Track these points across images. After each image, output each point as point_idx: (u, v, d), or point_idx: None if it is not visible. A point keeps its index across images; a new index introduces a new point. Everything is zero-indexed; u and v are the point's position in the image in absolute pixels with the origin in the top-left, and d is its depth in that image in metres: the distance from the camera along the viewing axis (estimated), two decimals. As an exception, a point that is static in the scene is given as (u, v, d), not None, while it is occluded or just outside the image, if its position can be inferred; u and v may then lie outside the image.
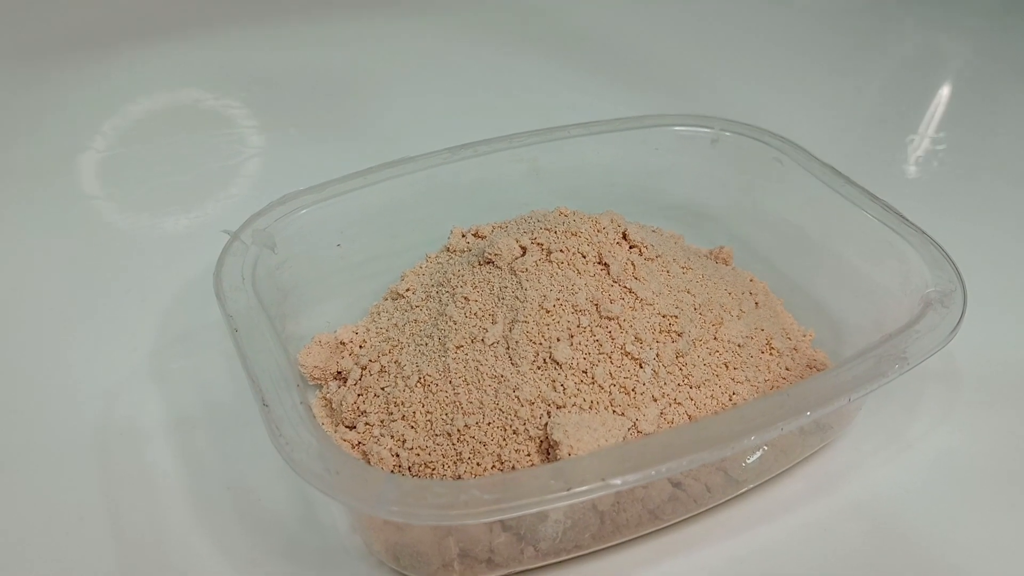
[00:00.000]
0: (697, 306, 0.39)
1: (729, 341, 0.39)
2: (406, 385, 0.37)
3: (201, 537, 0.35)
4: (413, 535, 0.32)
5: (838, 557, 0.35)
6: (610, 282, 0.38)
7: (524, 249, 0.40)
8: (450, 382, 0.36)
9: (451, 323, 0.38)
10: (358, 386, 0.38)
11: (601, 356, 0.36)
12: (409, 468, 0.35)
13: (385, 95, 0.73)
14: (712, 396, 0.37)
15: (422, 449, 0.35)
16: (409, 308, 0.41)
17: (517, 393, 0.35)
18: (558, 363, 0.35)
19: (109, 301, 0.48)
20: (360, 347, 0.41)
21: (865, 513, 0.37)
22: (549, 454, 0.34)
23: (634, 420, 0.34)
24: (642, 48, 0.84)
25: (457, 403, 0.35)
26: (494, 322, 0.37)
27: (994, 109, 0.75)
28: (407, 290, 0.43)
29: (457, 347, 0.37)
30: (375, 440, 0.36)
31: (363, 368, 0.39)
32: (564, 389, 0.35)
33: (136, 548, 0.35)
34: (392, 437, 0.36)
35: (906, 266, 0.40)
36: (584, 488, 0.28)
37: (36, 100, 0.70)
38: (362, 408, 0.37)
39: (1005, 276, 0.53)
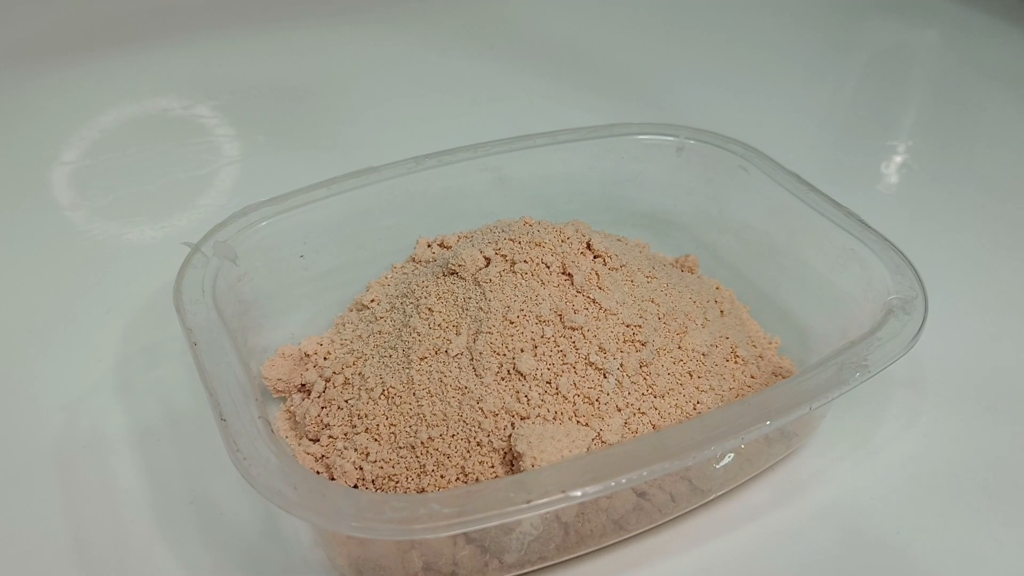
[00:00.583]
0: (661, 315, 0.39)
1: (693, 350, 0.39)
2: (370, 397, 0.37)
3: (163, 551, 0.35)
4: (376, 549, 0.32)
5: (804, 564, 0.36)
6: (574, 292, 0.38)
7: (488, 260, 0.39)
8: (414, 394, 0.36)
9: (415, 335, 0.38)
10: (322, 399, 0.38)
11: (565, 367, 0.36)
12: (373, 481, 0.35)
13: (354, 105, 0.73)
14: (676, 405, 0.37)
15: (385, 462, 0.35)
16: (374, 319, 0.41)
17: (481, 405, 0.35)
18: (522, 374, 0.35)
19: (74, 312, 0.48)
20: (324, 359, 0.41)
21: (831, 520, 0.38)
22: (513, 466, 0.34)
23: (598, 430, 0.34)
24: (610, 56, 0.84)
25: (421, 415, 0.35)
26: (458, 333, 0.37)
27: (964, 115, 0.76)
28: (372, 301, 0.43)
29: (421, 359, 0.37)
30: (338, 453, 0.36)
31: (327, 380, 0.39)
32: (528, 400, 0.35)
33: (98, 563, 0.35)
34: (355, 450, 0.35)
35: (868, 272, 0.40)
36: (544, 500, 0.28)
37: (3, 110, 0.69)
38: (326, 421, 0.37)
39: (972, 282, 0.54)
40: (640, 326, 0.38)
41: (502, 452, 0.34)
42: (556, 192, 0.50)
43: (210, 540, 0.35)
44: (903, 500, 0.39)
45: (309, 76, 0.77)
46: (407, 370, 0.37)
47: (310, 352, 0.41)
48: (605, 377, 0.36)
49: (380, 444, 0.35)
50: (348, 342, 0.41)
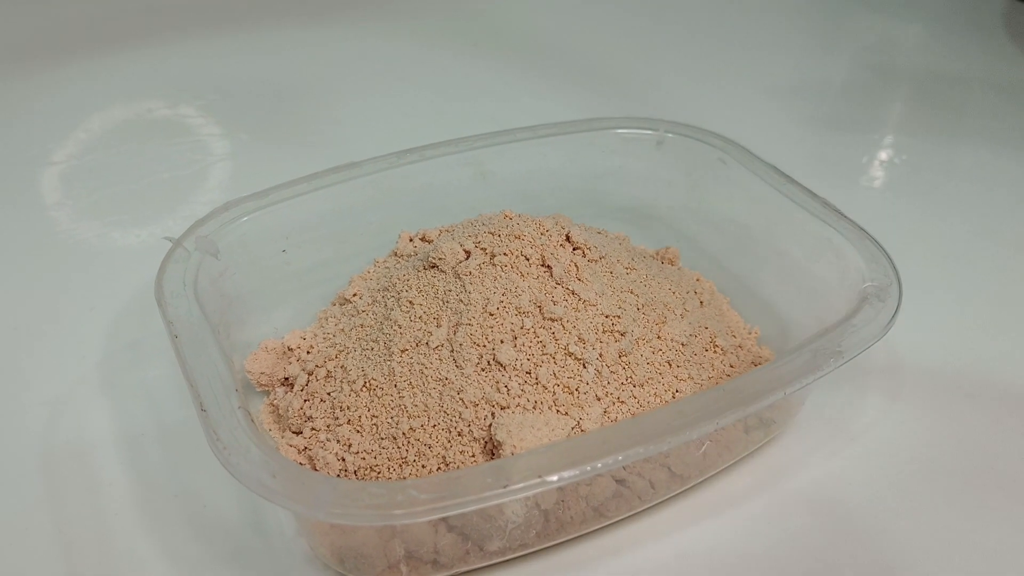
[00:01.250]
0: (640, 306, 0.40)
1: (672, 340, 0.39)
2: (351, 389, 0.37)
3: (147, 544, 0.35)
4: (358, 538, 0.32)
5: (783, 550, 0.36)
6: (553, 284, 0.38)
7: (468, 253, 0.40)
8: (395, 385, 0.36)
9: (396, 327, 0.38)
10: (304, 391, 0.38)
11: (544, 357, 0.36)
12: (355, 472, 0.35)
13: (338, 102, 0.73)
14: (655, 394, 0.37)
15: (368, 453, 0.35)
16: (355, 313, 0.41)
17: (461, 395, 0.35)
18: (502, 365, 0.36)
19: (57, 310, 0.48)
20: (307, 353, 0.41)
21: (810, 506, 0.38)
22: (493, 455, 0.34)
23: (578, 419, 0.35)
24: (593, 53, 0.85)
25: (402, 406, 0.36)
26: (438, 325, 0.37)
27: (946, 110, 0.76)
28: (354, 295, 0.43)
29: (402, 351, 0.37)
30: (321, 445, 0.36)
31: (309, 374, 0.39)
32: (508, 390, 0.35)
33: (82, 556, 0.35)
34: (338, 442, 0.36)
35: (843, 261, 0.40)
36: (521, 485, 0.28)
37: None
38: (308, 413, 0.37)
39: (952, 273, 0.54)
40: (619, 316, 0.38)
41: (483, 442, 0.34)
42: (538, 187, 0.50)
43: (194, 533, 0.36)
44: (881, 486, 0.39)
45: (293, 74, 0.78)
46: (388, 362, 0.37)
47: (293, 346, 0.41)
48: (584, 367, 0.36)
49: (362, 435, 0.35)
50: (330, 336, 0.41)
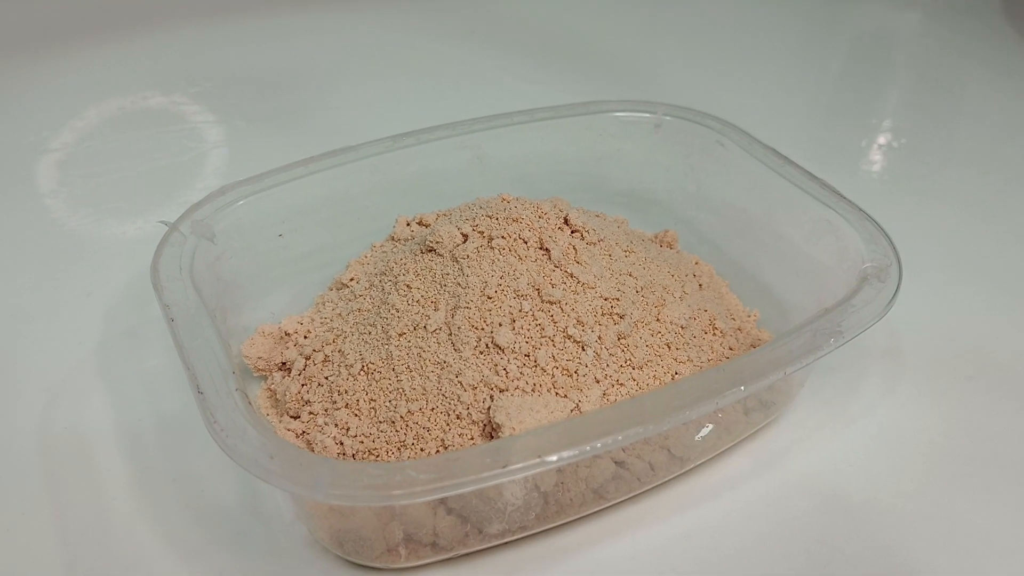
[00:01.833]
0: (639, 288, 0.40)
1: (671, 322, 0.39)
2: (349, 374, 0.37)
3: (146, 529, 0.35)
4: (357, 521, 0.32)
5: (782, 532, 0.36)
6: (551, 267, 0.38)
7: (465, 236, 0.40)
8: (393, 369, 0.36)
9: (393, 311, 0.38)
10: (302, 376, 0.38)
11: (543, 340, 0.36)
12: (353, 456, 0.35)
13: (334, 89, 0.73)
14: (655, 376, 0.37)
15: (366, 436, 0.35)
16: (353, 297, 0.41)
17: (460, 378, 0.35)
18: (500, 348, 0.35)
19: (54, 297, 0.48)
20: (304, 337, 0.41)
21: (809, 488, 0.38)
22: (492, 437, 0.34)
23: (577, 402, 0.35)
24: (590, 34, 0.85)
25: (400, 390, 0.35)
26: (436, 309, 0.37)
27: (944, 94, 0.76)
28: (351, 279, 0.43)
29: (400, 334, 0.37)
30: (319, 429, 0.36)
31: (307, 358, 0.39)
32: (506, 373, 0.35)
33: (80, 541, 0.35)
34: (336, 425, 0.35)
35: (843, 243, 0.40)
36: (520, 465, 0.28)
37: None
38: (306, 398, 0.37)
39: (951, 255, 0.54)
40: (618, 299, 0.38)
41: (481, 424, 0.34)
42: (535, 171, 0.50)
43: (192, 517, 0.36)
44: (881, 468, 0.39)
45: (288, 60, 0.77)
46: (386, 346, 0.37)
47: (290, 331, 0.41)
48: (583, 349, 0.36)
49: (360, 419, 0.35)
50: (328, 320, 0.41)
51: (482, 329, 0.36)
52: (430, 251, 0.40)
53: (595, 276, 0.38)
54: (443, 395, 0.35)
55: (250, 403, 0.30)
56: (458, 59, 0.79)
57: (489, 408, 0.34)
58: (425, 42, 0.82)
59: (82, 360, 0.43)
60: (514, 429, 0.32)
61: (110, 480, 0.37)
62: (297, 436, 0.36)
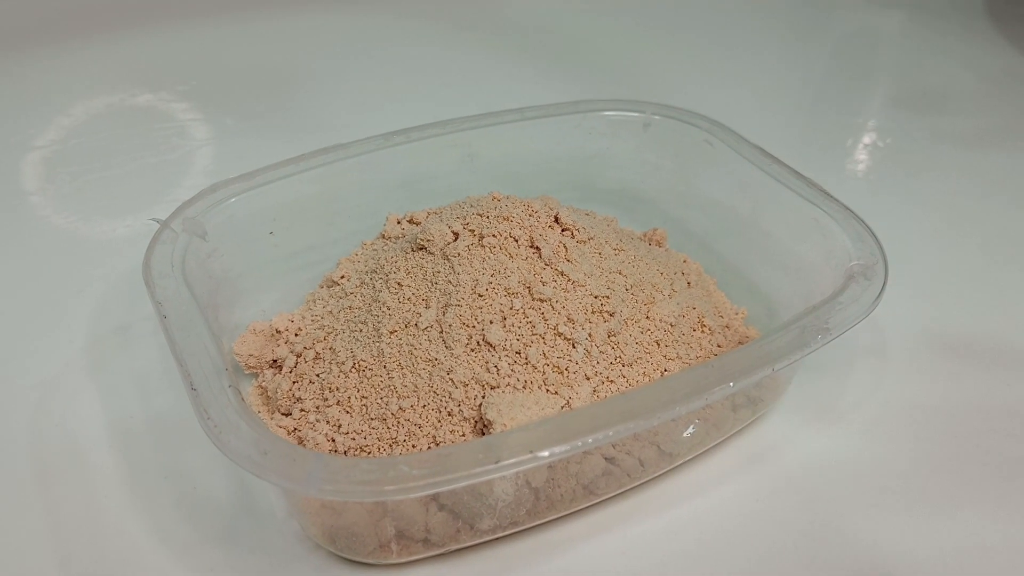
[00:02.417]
0: (629, 287, 0.40)
1: (661, 320, 0.39)
2: (340, 371, 0.37)
3: (138, 525, 0.35)
4: (349, 517, 0.32)
5: (770, 527, 0.36)
6: (542, 265, 0.38)
7: (456, 235, 0.40)
8: (384, 366, 0.36)
9: (385, 309, 0.38)
10: (293, 373, 0.38)
11: (534, 337, 0.36)
12: (345, 452, 0.35)
13: (325, 87, 0.73)
14: (644, 373, 0.37)
15: (357, 433, 0.35)
16: (343, 295, 0.41)
17: (451, 375, 0.35)
18: (491, 345, 0.36)
19: (45, 294, 0.48)
20: (296, 335, 0.41)
21: (797, 484, 0.38)
22: (483, 434, 0.34)
23: (567, 398, 0.35)
24: (579, 34, 0.85)
25: (392, 387, 0.36)
26: (427, 307, 0.38)
27: (927, 95, 0.77)
28: (342, 277, 0.43)
29: (391, 332, 0.37)
30: (310, 426, 0.36)
31: (298, 355, 0.39)
32: (498, 370, 0.35)
33: (72, 537, 0.35)
34: (327, 422, 0.36)
35: (830, 241, 0.40)
36: (512, 461, 0.28)
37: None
38: (297, 395, 0.37)
39: (934, 254, 0.55)
40: (608, 297, 0.38)
41: (473, 421, 0.34)
42: (525, 169, 0.50)
43: (184, 514, 0.36)
44: (867, 463, 0.39)
45: (278, 59, 0.77)
46: (377, 343, 0.37)
47: (281, 328, 0.41)
48: (574, 347, 0.36)
49: (352, 416, 0.36)
50: (319, 318, 0.41)
51: (473, 327, 0.36)
52: (421, 249, 0.40)
53: (585, 274, 0.39)
54: (434, 392, 0.35)
55: (243, 399, 0.31)
56: (449, 58, 0.79)
57: (480, 405, 0.34)
58: (416, 41, 0.82)
59: (73, 358, 0.43)
60: (505, 426, 0.33)
61: (102, 477, 0.37)
62: (289, 433, 0.37)
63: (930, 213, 0.59)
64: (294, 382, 0.38)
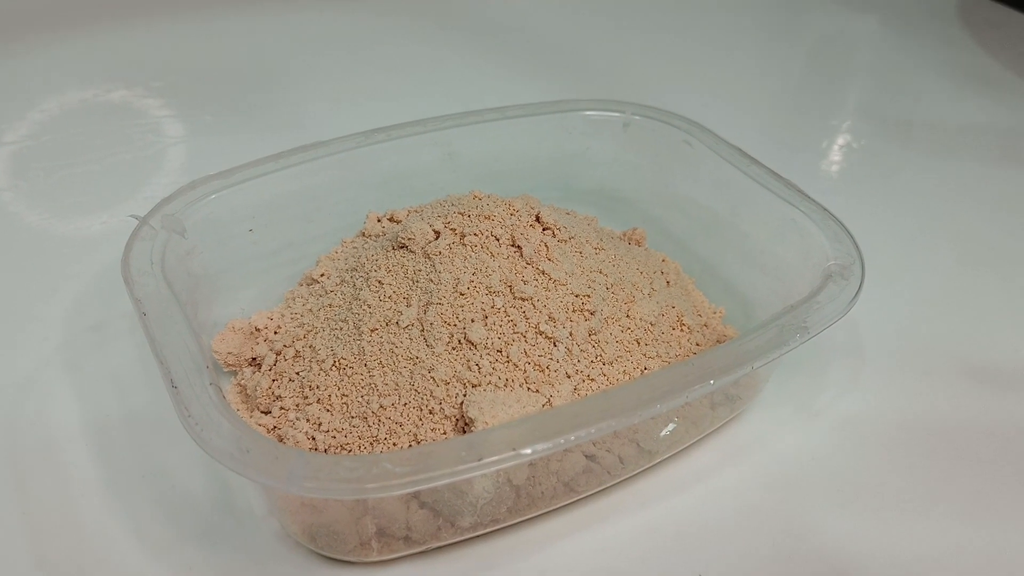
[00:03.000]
0: (609, 286, 0.40)
1: (641, 319, 0.40)
2: (321, 369, 0.37)
3: (116, 524, 0.35)
4: (329, 515, 0.32)
5: (748, 523, 0.37)
6: (523, 264, 0.39)
7: (437, 233, 0.40)
8: (365, 365, 0.36)
9: (365, 307, 0.38)
10: (273, 371, 0.38)
11: (515, 336, 0.36)
12: (326, 451, 0.35)
13: (303, 85, 0.73)
14: (625, 372, 0.37)
15: (338, 432, 0.35)
16: (324, 293, 0.41)
17: (432, 374, 0.35)
18: (472, 343, 0.36)
19: (19, 293, 0.47)
20: (275, 333, 0.41)
21: (774, 480, 0.39)
22: (465, 432, 0.34)
23: (548, 396, 0.35)
24: (560, 33, 0.85)
25: (372, 385, 0.36)
26: (408, 305, 0.38)
27: (902, 97, 0.78)
28: (321, 275, 0.43)
29: (372, 330, 0.37)
30: (290, 424, 0.36)
31: (277, 353, 0.39)
32: (479, 368, 0.35)
33: (50, 536, 0.34)
34: (308, 421, 0.35)
35: (808, 241, 0.41)
36: (495, 458, 0.28)
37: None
38: (277, 393, 0.37)
39: (909, 254, 0.55)
40: (589, 296, 0.38)
41: (454, 419, 0.34)
42: (506, 168, 0.50)
43: (163, 513, 0.35)
44: (843, 460, 0.40)
45: (258, 55, 0.77)
46: (358, 341, 0.37)
47: (260, 326, 0.41)
48: (555, 345, 0.36)
49: (332, 414, 0.35)
50: (298, 316, 0.41)
51: (454, 325, 0.36)
52: (402, 247, 0.40)
53: (566, 273, 0.39)
54: (415, 390, 0.35)
55: (224, 396, 0.30)
56: (430, 56, 0.79)
57: (462, 403, 0.34)
58: (397, 38, 0.82)
59: (48, 356, 0.43)
60: (487, 424, 0.33)
61: (79, 476, 0.37)
62: (268, 431, 0.36)
63: (904, 213, 0.60)
64: (274, 380, 0.38)
